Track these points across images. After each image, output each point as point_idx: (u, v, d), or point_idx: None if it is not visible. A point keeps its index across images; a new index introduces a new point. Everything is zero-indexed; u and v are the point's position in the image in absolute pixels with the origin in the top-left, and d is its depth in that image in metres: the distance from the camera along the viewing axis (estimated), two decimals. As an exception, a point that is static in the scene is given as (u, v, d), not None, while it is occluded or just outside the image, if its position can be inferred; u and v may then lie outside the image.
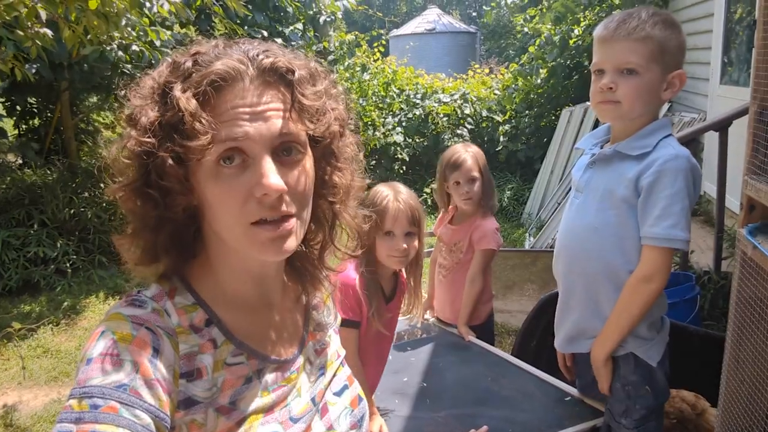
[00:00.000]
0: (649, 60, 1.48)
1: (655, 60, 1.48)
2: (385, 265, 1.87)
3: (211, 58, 0.74)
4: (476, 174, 2.47)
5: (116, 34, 3.29)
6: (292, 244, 0.77)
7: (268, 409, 0.81)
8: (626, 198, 1.54)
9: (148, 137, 0.72)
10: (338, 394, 0.94)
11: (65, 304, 4.94)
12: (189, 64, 0.74)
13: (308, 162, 0.79)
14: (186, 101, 0.70)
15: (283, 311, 0.91)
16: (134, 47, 4.37)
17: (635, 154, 1.53)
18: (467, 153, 2.49)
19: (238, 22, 6.20)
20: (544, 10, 7.92)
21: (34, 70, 4.82)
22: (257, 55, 0.75)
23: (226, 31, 4.99)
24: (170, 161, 0.71)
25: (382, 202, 1.81)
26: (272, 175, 0.72)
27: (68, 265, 5.40)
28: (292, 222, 0.76)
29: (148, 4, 3.26)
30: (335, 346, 1.00)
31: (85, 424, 0.63)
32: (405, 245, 1.80)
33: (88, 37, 2.99)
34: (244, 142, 0.72)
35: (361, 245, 1.87)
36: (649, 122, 1.56)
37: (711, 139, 4.29)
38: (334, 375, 0.96)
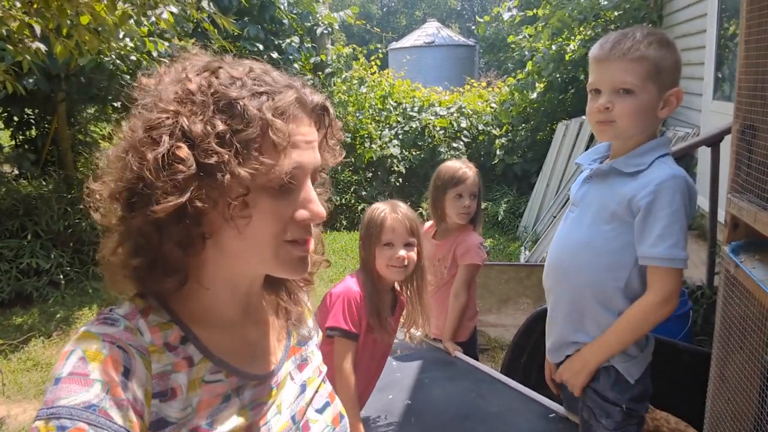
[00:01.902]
0: (645, 79, 1.48)
1: (650, 79, 1.48)
2: (385, 278, 1.89)
3: (278, 81, 0.77)
4: (476, 190, 2.49)
5: (114, 45, 3.30)
6: (309, 262, 0.82)
7: (246, 428, 0.80)
8: (619, 215, 1.54)
9: (226, 149, 0.71)
10: (320, 411, 0.93)
11: (58, 315, 4.93)
12: (249, 82, 0.75)
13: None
14: (281, 124, 0.73)
15: (264, 326, 0.91)
16: (132, 57, 4.39)
17: (629, 171, 1.53)
18: (471, 170, 2.52)
19: (235, 34, 6.22)
20: (540, 28, 7.96)
21: (30, 82, 4.83)
22: (304, 89, 0.79)
23: (223, 45, 5.01)
24: (247, 175, 0.71)
25: (380, 215, 1.87)
26: (318, 203, 0.79)
27: (62, 276, 5.39)
28: (311, 242, 0.82)
29: (149, 13, 3.27)
30: (317, 362, 0.99)
31: None
32: (404, 253, 1.83)
33: (85, 49, 3.00)
34: (299, 169, 0.76)
35: (360, 260, 1.91)
36: (647, 140, 1.56)
37: (704, 154, 4.30)
38: (315, 392, 0.95)
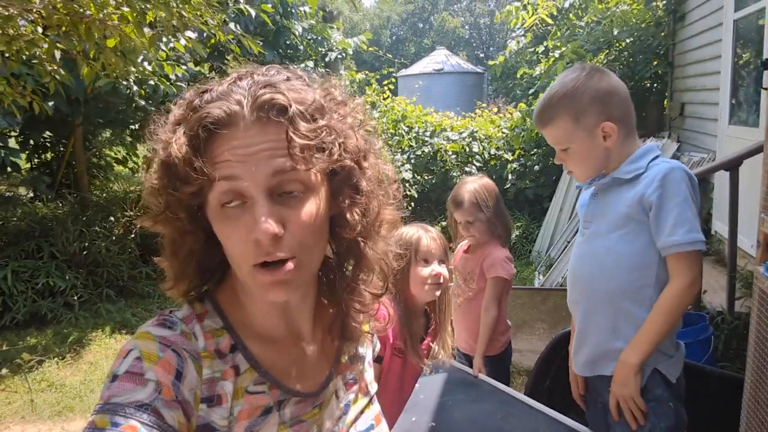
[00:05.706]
0: (570, 134, 1.64)
1: (575, 130, 1.63)
2: (419, 299, 1.88)
3: (213, 98, 0.73)
4: (472, 217, 2.48)
5: (132, 69, 3.35)
6: (291, 288, 0.75)
7: None
8: (632, 216, 1.62)
9: (156, 179, 0.74)
10: None
11: (72, 337, 4.92)
12: (196, 102, 0.74)
13: (315, 200, 0.75)
14: (177, 148, 0.70)
15: (313, 342, 0.88)
16: (150, 81, 4.46)
17: (630, 177, 1.63)
18: (467, 192, 2.49)
19: (251, 59, 6.32)
20: (552, 60, 8.03)
21: (51, 105, 4.90)
22: (258, 90, 0.73)
23: (239, 68, 5.08)
24: (172, 200, 0.73)
25: (413, 236, 1.88)
26: (263, 220, 0.70)
27: (76, 298, 5.40)
28: (290, 265, 0.73)
29: (165, 39, 3.33)
30: (367, 382, 0.97)
31: None
32: (440, 269, 1.85)
33: (110, 69, 3.04)
34: (237, 183, 0.70)
35: (393, 283, 1.85)
36: (633, 152, 1.66)
37: (721, 179, 4.29)
38: (361, 412, 0.92)
